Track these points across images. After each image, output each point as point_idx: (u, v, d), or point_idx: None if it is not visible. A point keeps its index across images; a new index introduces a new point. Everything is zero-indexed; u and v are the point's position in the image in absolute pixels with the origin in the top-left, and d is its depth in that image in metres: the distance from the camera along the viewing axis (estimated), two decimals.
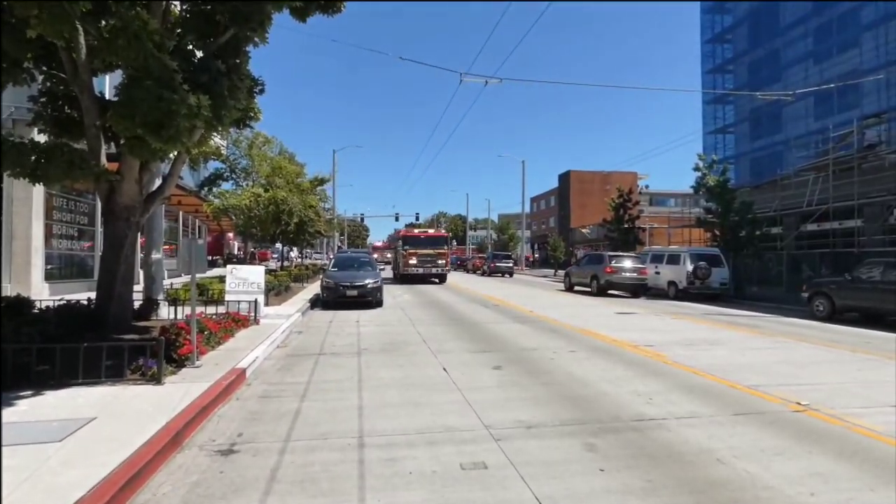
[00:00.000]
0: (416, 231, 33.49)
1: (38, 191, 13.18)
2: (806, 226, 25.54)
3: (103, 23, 7.51)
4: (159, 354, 6.18)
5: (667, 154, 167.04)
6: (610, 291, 22.49)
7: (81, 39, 7.58)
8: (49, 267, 14.34)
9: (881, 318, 13.93)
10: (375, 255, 41.29)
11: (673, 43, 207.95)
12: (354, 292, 15.84)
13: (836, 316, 14.79)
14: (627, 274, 21.88)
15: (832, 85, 22.74)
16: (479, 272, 44.61)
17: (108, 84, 14.54)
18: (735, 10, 35.52)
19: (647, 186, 68.45)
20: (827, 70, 27.31)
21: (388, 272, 32.89)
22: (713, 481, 4.03)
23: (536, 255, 68.08)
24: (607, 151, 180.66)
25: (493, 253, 47.31)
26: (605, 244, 37.63)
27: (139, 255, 14.15)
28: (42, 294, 12.86)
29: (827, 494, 3.85)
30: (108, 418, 4.87)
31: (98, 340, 6.39)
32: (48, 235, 14.33)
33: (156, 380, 6.12)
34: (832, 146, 24.85)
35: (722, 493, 3.84)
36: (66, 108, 8.83)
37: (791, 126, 30.20)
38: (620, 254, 24.37)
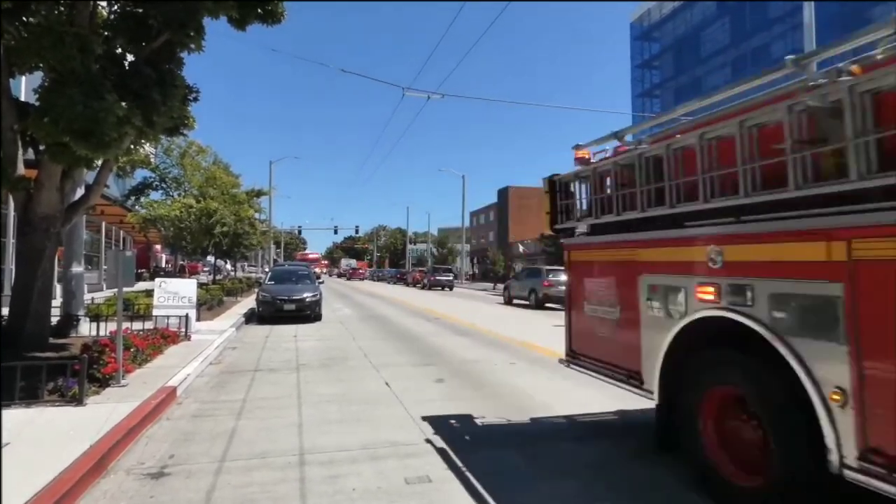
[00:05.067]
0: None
1: None
2: None
3: (24, 20, 7.09)
4: (81, 373, 5.80)
5: None
6: (547, 304, 23.06)
7: None
8: None
9: None
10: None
11: (610, 66, 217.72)
12: (292, 306, 15.46)
13: None
14: (564, 287, 22.49)
15: None
16: (419, 286, 44.62)
17: (24, 86, 13.65)
18: (662, 39, 37.77)
19: None
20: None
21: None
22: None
23: (476, 270, 68.88)
24: (545, 167, 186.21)
25: (434, 266, 47.50)
26: (543, 259, 38.61)
27: (57, 269, 13.24)
28: None
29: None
30: (22, 443, 4.51)
31: (11, 359, 5.91)
32: None
33: (77, 400, 5.73)
34: None
35: None
36: None
37: None
38: (558, 268, 25.06)
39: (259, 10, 8.34)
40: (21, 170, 7.72)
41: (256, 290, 19.49)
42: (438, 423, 5.76)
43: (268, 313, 15.52)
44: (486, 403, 6.64)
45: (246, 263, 62.99)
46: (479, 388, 7.53)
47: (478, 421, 5.90)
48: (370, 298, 27.88)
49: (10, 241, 15.80)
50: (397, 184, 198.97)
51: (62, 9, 7.66)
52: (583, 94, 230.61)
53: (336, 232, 77.16)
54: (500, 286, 35.63)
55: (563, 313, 6.18)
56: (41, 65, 6.78)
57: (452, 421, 5.89)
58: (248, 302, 21.05)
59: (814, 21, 17.93)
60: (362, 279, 68.79)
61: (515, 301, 25.32)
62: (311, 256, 69.76)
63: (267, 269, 33.65)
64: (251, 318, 16.27)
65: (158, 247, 46.68)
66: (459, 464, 4.57)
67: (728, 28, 31.13)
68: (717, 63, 32.04)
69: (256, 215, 28.07)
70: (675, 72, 36.20)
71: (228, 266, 44.54)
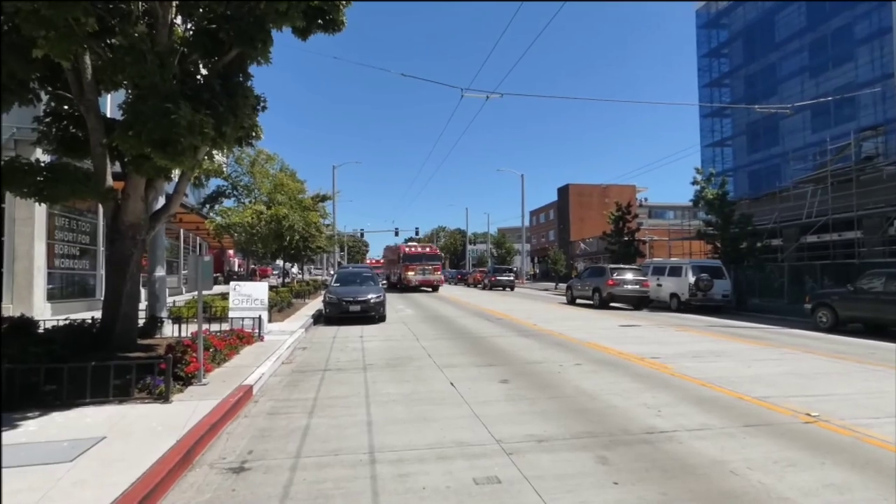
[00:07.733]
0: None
1: (41, 210, 13.22)
2: (806, 237, 25.61)
3: (109, 41, 7.63)
4: (167, 372, 6.16)
5: (665, 167, 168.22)
6: (612, 304, 22.47)
7: (87, 59, 7.67)
8: (51, 287, 14.31)
9: (884, 329, 13.92)
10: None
11: (671, 57, 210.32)
12: (357, 307, 15.82)
13: (839, 327, 14.76)
14: (629, 286, 21.87)
15: (829, 98, 22.92)
16: (479, 286, 44.62)
17: (109, 104, 14.67)
18: (731, 26, 35.96)
19: (646, 199, 68.71)
20: (823, 83, 27.56)
21: None
22: (728, 493, 4.00)
23: (536, 269, 68.11)
24: (606, 165, 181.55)
25: (494, 267, 47.29)
26: (606, 257, 37.68)
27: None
28: (44, 314, 12.82)
29: None
30: (117, 437, 4.85)
31: (105, 359, 6.36)
32: (50, 255, 14.33)
33: (164, 398, 6.09)
34: (830, 158, 25.01)
35: None
36: (70, 127, 8.89)
37: (788, 139, 30.40)
38: (622, 266, 24.36)
39: (320, 21, 8.60)
40: (109, 182, 8.31)
41: (323, 292, 20.05)
42: (504, 424, 5.72)
43: (334, 314, 15.96)
44: (552, 405, 6.54)
45: (312, 266, 65.05)
46: (544, 389, 7.42)
47: (545, 422, 5.81)
48: (431, 299, 28.09)
49: (101, 249, 17.05)
50: (456, 184, 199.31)
51: (143, 29, 8.20)
52: (645, 88, 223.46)
53: (397, 234, 78.29)
54: (562, 286, 35.09)
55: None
56: (125, 82, 7.26)
57: (518, 421, 5.83)
58: (315, 304, 21.73)
59: None
60: None
61: (579, 301, 24.85)
62: (427, 251, 36.81)
63: (332, 272, 34.51)
64: (319, 318, 16.80)
65: (231, 251, 49.03)
66: (528, 465, 4.52)
67: (804, 9, 29.18)
68: (792, 48, 30.09)
69: (322, 220, 28.95)
70: (745, 59, 34.32)
71: (295, 269, 46.21)
